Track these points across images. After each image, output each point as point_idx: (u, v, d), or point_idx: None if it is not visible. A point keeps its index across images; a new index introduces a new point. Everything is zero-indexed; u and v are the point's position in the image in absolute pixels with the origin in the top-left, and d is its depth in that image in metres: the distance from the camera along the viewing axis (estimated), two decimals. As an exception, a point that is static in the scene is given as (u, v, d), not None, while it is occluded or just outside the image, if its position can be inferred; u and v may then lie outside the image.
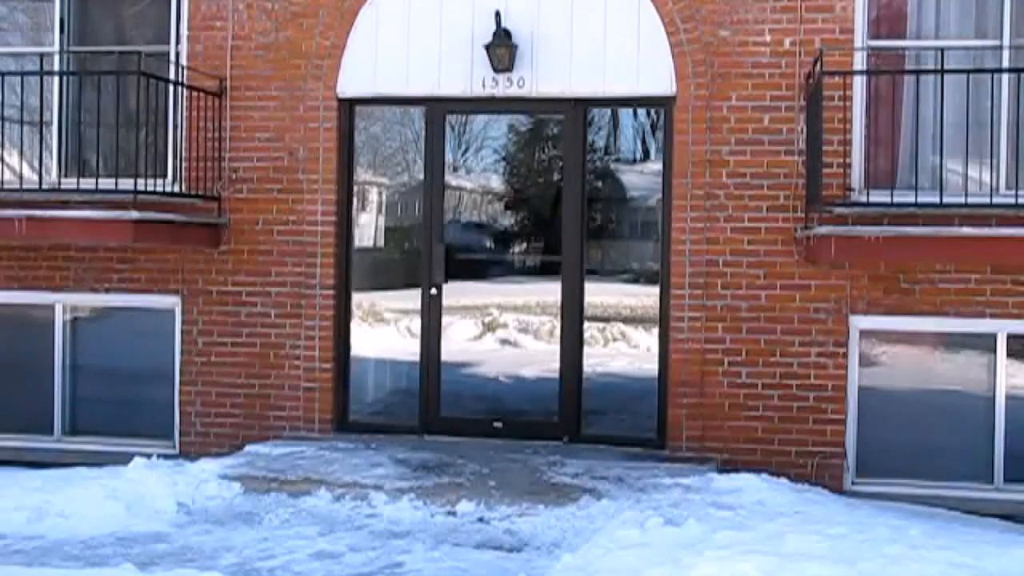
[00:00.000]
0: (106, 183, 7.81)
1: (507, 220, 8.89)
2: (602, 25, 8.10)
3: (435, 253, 8.36)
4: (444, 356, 8.47)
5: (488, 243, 8.87)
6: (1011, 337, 7.71)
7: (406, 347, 8.51)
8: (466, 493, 6.83)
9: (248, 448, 7.94)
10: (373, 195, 8.95)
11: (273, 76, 8.49)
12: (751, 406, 7.85)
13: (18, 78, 8.26)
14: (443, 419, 8.41)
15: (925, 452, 7.74)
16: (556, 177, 8.27)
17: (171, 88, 8.39)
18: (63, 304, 8.92)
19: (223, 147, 8.53)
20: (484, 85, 8.19)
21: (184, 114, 8.51)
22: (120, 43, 8.87)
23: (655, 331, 8.17)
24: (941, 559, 5.18)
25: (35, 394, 8.89)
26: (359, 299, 8.63)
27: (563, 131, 8.28)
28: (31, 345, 8.97)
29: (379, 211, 8.96)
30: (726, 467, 7.61)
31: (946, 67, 7.28)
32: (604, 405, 8.52)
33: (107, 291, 8.77)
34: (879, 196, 7.31)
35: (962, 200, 7.19)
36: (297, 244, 8.44)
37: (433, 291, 8.32)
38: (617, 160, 8.66)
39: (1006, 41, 7.66)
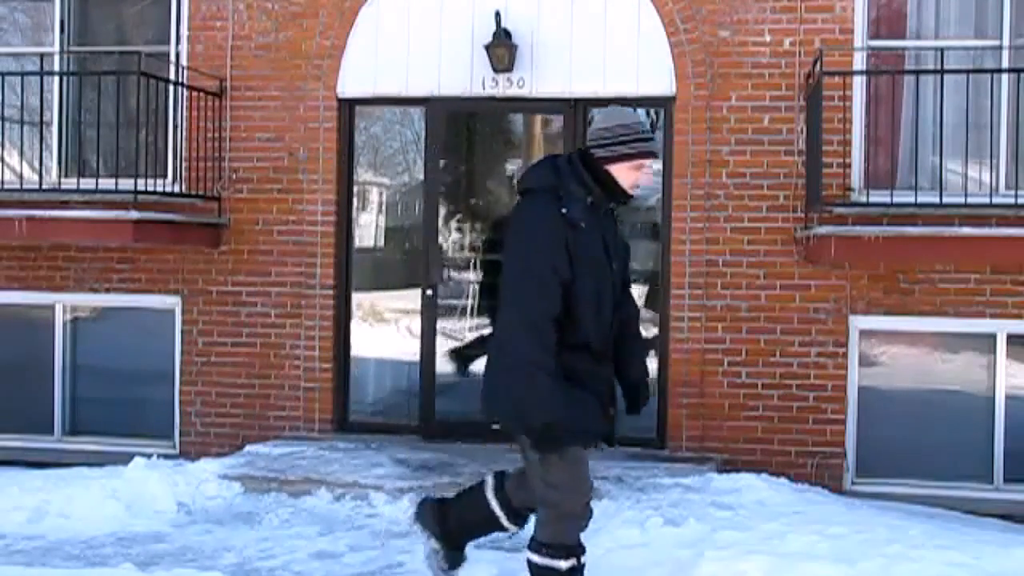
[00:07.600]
0: (106, 183, 7.81)
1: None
2: (602, 25, 8.10)
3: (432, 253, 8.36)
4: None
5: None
6: (1011, 337, 7.71)
7: (407, 347, 8.49)
8: (466, 493, 6.82)
9: (248, 448, 7.94)
10: (373, 195, 8.95)
11: (273, 76, 8.49)
12: (751, 406, 7.85)
13: (18, 78, 8.26)
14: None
15: (925, 452, 7.74)
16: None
17: (171, 88, 8.39)
18: (63, 304, 8.92)
19: (223, 147, 8.53)
20: (484, 85, 8.19)
21: (184, 114, 8.51)
22: (120, 43, 8.88)
23: (654, 331, 8.17)
24: (941, 559, 5.18)
25: (35, 394, 8.89)
26: (359, 299, 8.62)
27: (563, 131, 8.27)
28: (31, 345, 8.97)
29: (379, 211, 8.95)
30: (726, 467, 7.61)
31: (946, 67, 7.29)
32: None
33: (107, 291, 8.77)
34: (879, 196, 7.31)
35: (962, 200, 7.19)
36: (297, 244, 8.44)
37: (429, 292, 8.29)
38: (617, 160, 8.64)
39: (1006, 41, 7.66)
